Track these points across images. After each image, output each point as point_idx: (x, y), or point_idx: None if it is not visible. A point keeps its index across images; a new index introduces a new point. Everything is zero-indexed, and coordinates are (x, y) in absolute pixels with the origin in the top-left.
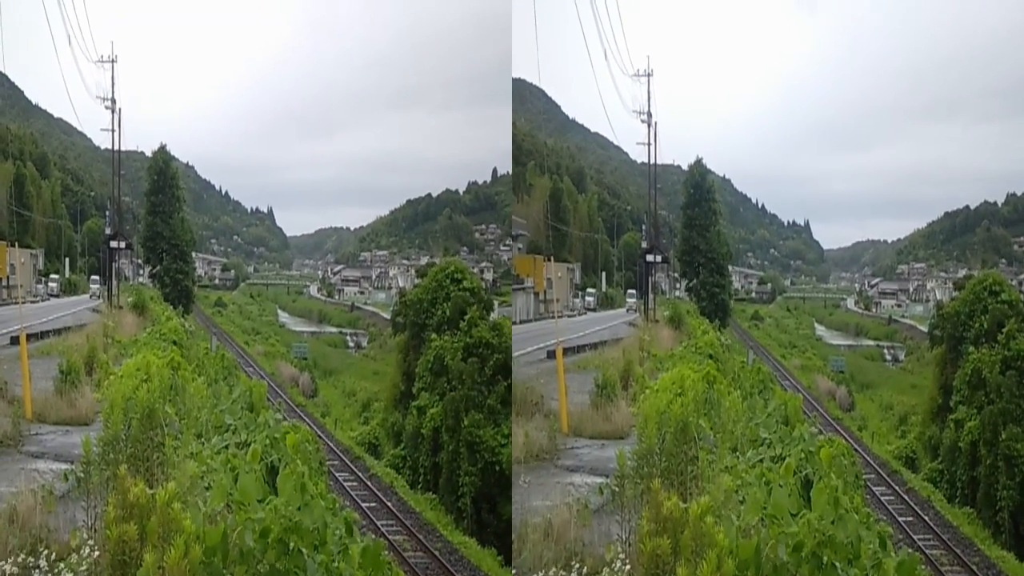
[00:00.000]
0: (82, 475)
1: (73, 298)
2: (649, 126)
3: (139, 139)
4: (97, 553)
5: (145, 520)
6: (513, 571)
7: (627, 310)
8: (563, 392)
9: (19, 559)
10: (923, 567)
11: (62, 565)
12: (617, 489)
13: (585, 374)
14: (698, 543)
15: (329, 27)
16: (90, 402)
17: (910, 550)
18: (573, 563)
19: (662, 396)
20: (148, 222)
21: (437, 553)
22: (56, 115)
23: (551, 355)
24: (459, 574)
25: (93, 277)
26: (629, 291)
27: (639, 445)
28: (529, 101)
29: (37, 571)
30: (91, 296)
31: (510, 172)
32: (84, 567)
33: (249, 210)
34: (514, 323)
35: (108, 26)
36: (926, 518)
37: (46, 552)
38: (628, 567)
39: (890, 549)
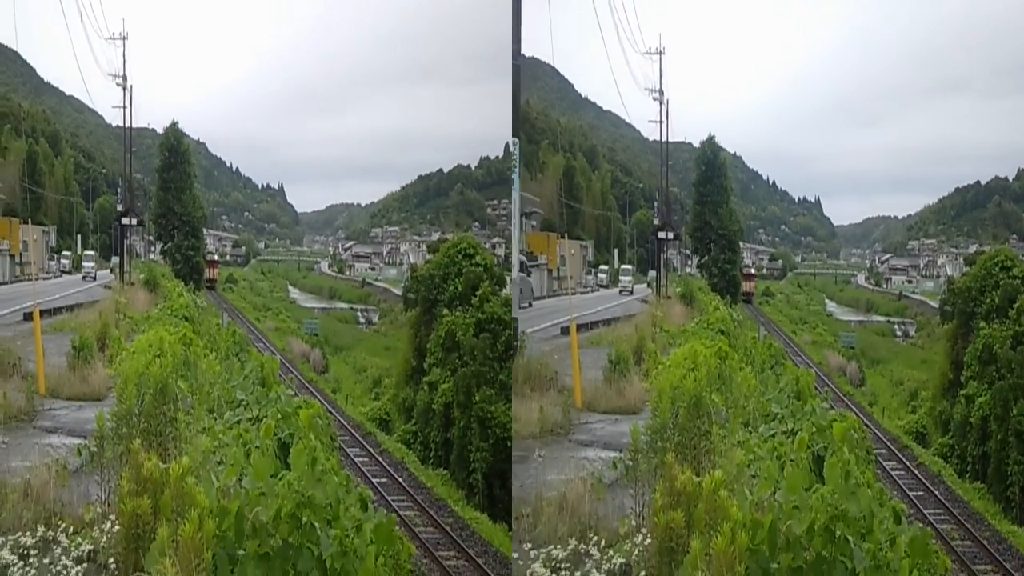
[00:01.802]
0: (95, 450)
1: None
2: (661, 104)
3: (150, 116)
4: (117, 528)
5: (159, 494)
6: (524, 547)
7: (620, 291)
8: (577, 368)
9: (38, 532)
10: (934, 542)
11: (79, 538)
12: (631, 463)
13: (598, 350)
14: (712, 516)
15: (341, 3)
16: (103, 378)
17: (921, 525)
18: (590, 535)
19: (675, 371)
20: (160, 199)
21: (448, 528)
22: (68, 92)
23: (564, 331)
24: (471, 549)
25: (87, 253)
26: (623, 267)
27: (653, 420)
28: (542, 79)
29: (56, 544)
30: (83, 277)
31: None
32: (105, 540)
33: (260, 186)
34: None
35: (119, 3)
36: (937, 493)
37: (63, 525)
38: (648, 541)
39: (904, 524)
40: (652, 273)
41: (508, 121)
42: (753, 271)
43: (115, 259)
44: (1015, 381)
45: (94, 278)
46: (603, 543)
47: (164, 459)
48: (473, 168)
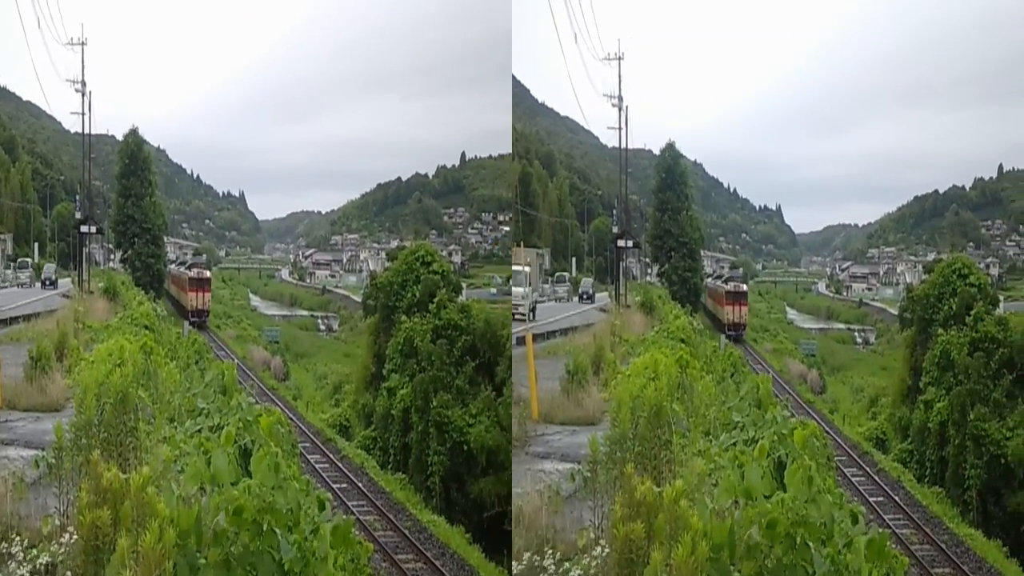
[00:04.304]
0: (54, 461)
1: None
2: (620, 110)
3: (109, 123)
4: (76, 540)
5: (119, 505)
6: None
7: (514, 315)
8: (533, 378)
9: None
10: (893, 546)
11: (37, 551)
12: (589, 475)
13: (555, 360)
14: (672, 527)
15: (301, 12)
16: (61, 388)
17: (880, 529)
18: (546, 549)
19: (635, 381)
20: (119, 206)
21: (407, 532)
22: (25, 98)
23: (520, 341)
24: (428, 552)
25: (20, 261)
26: (513, 271)
27: (612, 430)
28: None
29: (11, 559)
30: None
31: (478, 156)
32: (63, 553)
33: (221, 194)
34: None
35: (78, 8)
36: (896, 498)
37: (19, 539)
38: (606, 552)
39: (861, 524)
40: (587, 281)
41: (464, 130)
42: (744, 287)
43: (48, 267)
44: (972, 386)
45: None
46: (559, 556)
47: (124, 469)
48: (431, 177)
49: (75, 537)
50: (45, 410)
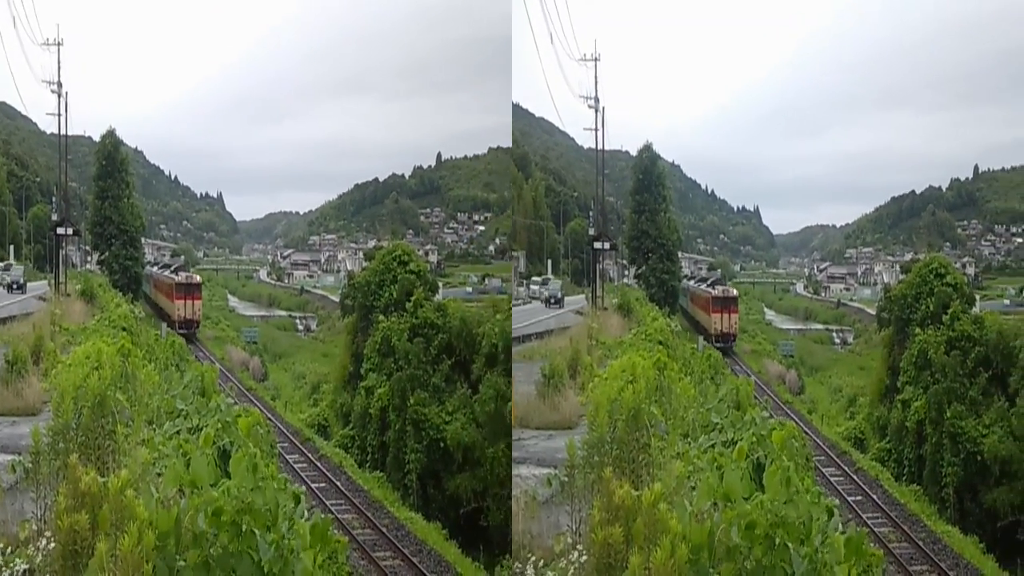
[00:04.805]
0: (31, 466)
1: None
2: (596, 111)
3: (86, 124)
4: (53, 544)
5: (97, 509)
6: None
7: None
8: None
9: None
10: (872, 545)
11: (15, 558)
12: (566, 479)
13: (531, 364)
14: (651, 530)
15: (280, 15)
16: (37, 392)
17: (858, 528)
18: (524, 554)
19: (613, 384)
20: (96, 207)
21: (384, 530)
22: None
23: None
24: (406, 549)
25: (5, 264)
26: None
27: (590, 434)
28: None
29: None
30: None
31: (454, 157)
32: (41, 558)
33: (199, 195)
34: None
35: (54, 8)
36: (874, 497)
37: None
38: (584, 558)
39: (837, 518)
40: (555, 284)
41: (441, 131)
42: (734, 292)
43: (16, 270)
44: (949, 385)
45: None
46: (540, 562)
47: (103, 473)
48: (407, 177)
49: (53, 542)
50: (21, 414)
